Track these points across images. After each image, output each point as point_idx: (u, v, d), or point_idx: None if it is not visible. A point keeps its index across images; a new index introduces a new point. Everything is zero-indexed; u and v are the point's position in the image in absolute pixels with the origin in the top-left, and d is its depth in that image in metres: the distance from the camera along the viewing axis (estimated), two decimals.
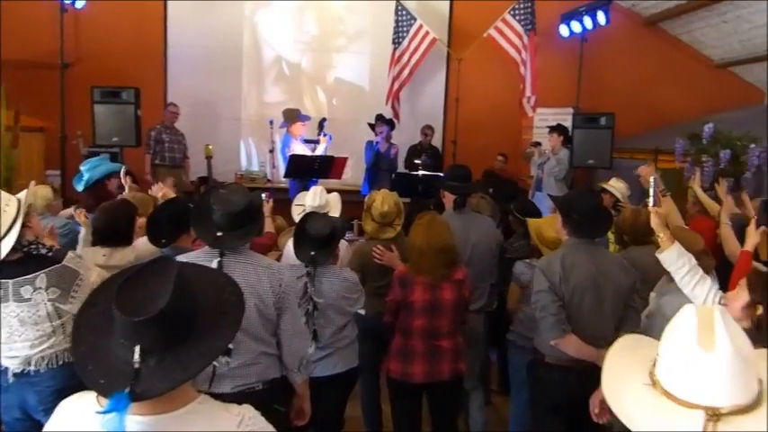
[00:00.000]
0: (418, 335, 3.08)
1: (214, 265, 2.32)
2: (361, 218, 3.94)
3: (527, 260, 3.61)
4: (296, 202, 4.31)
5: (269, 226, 4.12)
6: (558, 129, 7.24)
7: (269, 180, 7.88)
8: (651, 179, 2.74)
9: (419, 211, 4.26)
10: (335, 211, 4.11)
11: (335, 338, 3.05)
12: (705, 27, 8.66)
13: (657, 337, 2.47)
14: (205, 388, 2.33)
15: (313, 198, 4.07)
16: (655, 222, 2.53)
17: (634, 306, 2.69)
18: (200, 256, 2.41)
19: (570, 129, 7.24)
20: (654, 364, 1.17)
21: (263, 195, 4.50)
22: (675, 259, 2.46)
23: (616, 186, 5.07)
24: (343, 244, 3.98)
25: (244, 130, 9.10)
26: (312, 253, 2.92)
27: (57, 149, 7.39)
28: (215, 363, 2.29)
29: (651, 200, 2.66)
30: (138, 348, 1.20)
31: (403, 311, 3.10)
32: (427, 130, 8.16)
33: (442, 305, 3.06)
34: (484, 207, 4.24)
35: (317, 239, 2.93)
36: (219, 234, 2.36)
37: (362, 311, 3.53)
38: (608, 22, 7.71)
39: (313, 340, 2.80)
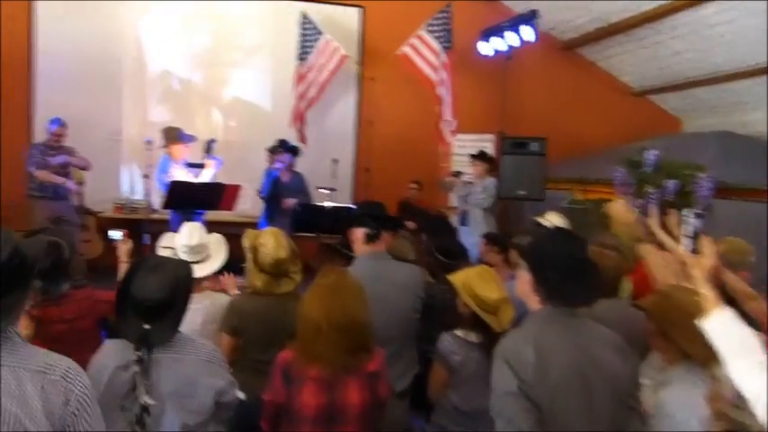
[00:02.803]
0: None
1: None
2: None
3: (457, 332, 2.68)
4: (162, 243, 3.24)
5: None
6: (482, 156, 6.54)
7: (154, 210, 6.74)
8: (690, 216, 1.90)
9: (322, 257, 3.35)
10: (218, 257, 3.10)
11: None
12: (623, 53, 8.41)
13: None
14: None
15: (188, 237, 3.04)
16: (697, 276, 1.71)
17: (635, 407, 1.83)
18: None
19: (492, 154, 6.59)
20: None
21: (119, 233, 3.44)
22: (725, 331, 1.61)
23: (555, 222, 4.34)
24: (221, 299, 2.98)
25: (125, 152, 7.83)
26: (145, 327, 1.90)
27: None
28: None
29: (687, 244, 1.82)
30: None
31: (286, 420, 2.11)
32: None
33: (344, 412, 2.09)
34: (406, 250, 3.35)
35: (148, 307, 1.91)
36: None
37: (241, 395, 2.55)
38: (537, 38, 7.15)
39: None
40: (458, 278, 2.74)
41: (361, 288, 2.19)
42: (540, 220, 4.47)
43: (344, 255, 3.39)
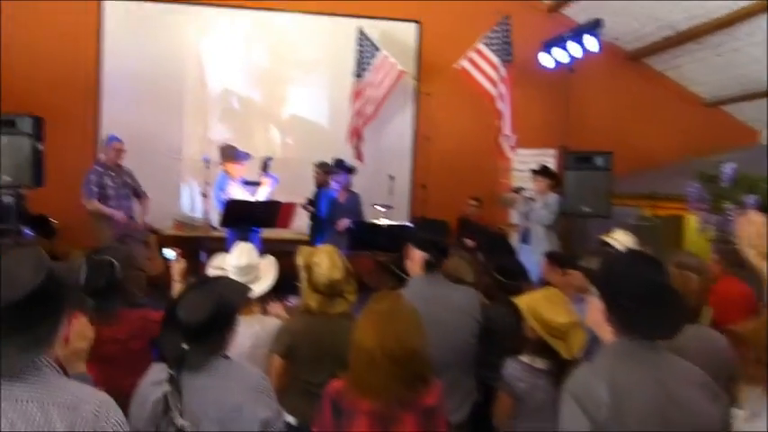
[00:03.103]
0: None
1: None
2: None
3: (522, 357, 2.52)
4: (213, 264, 3.20)
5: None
6: (544, 172, 6.29)
7: (214, 228, 6.81)
8: None
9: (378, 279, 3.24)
10: (267, 278, 3.03)
11: None
12: (693, 62, 8.00)
13: None
14: None
15: (238, 258, 3.00)
16: None
17: None
18: None
19: (555, 169, 6.35)
20: None
21: (173, 253, 3.42)
22: None
23: (623, 241, 4.07)
24: (271, 324, 2.89)
25: (185, 170, 7.99)
26: (184, 347, 1.83)
27: None
28: None
29: None
30: None
31: None
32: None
33: None
34: (464, 271, 3.19)
35: (188, 327, 1.85)
36: None
37: (291, 420, 2.45)
38: (601, 49, 6.89)
39: None
40: (523, 301, 2.58)
41: (417, 314, 2.05)
42: (607, 238, 4.22)
43: (396, 275, 3.27)
